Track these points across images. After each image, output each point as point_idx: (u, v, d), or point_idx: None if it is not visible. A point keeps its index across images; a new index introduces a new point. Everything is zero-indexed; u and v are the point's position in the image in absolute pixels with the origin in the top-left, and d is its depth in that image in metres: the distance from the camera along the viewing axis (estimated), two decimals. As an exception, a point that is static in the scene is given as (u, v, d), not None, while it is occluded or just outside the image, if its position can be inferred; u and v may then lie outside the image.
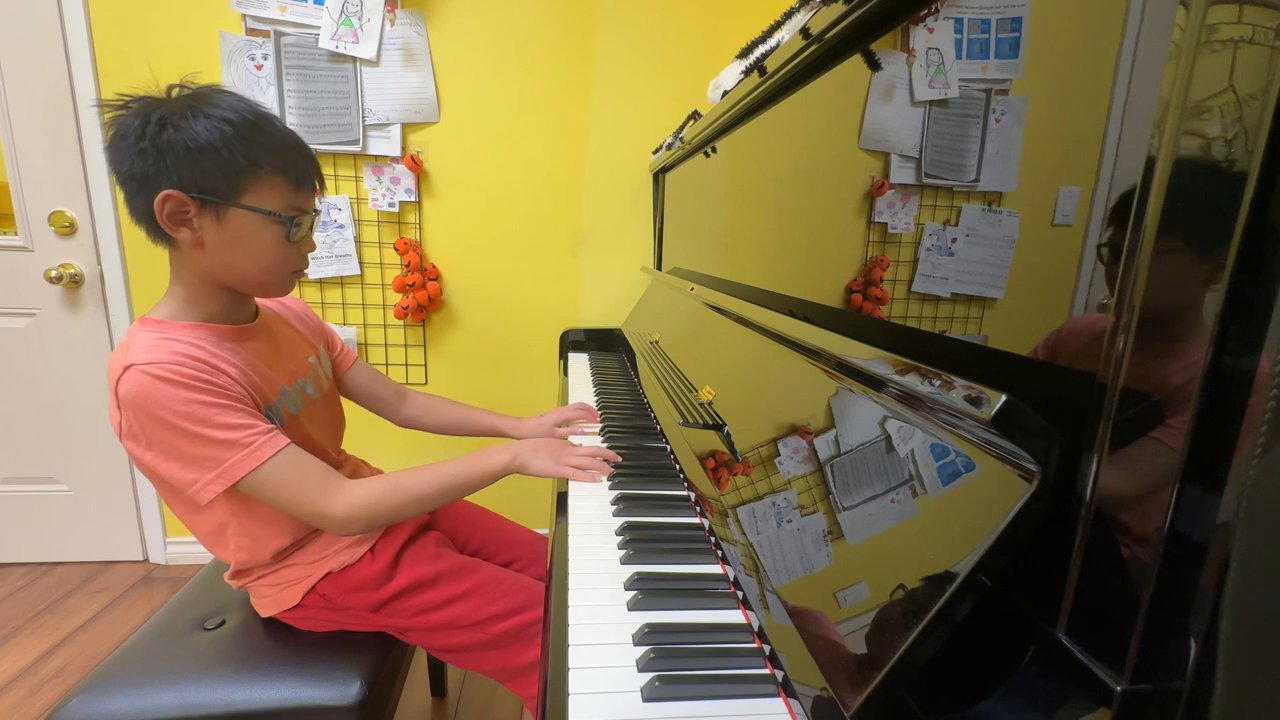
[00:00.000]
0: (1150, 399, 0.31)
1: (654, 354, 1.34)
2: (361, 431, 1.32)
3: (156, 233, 0.73)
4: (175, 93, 0.73)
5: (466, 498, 1.03)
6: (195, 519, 0.82)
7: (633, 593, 0.60)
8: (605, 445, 0.97)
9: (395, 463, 1.19)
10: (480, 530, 1.10)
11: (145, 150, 0.68)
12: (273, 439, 0.74)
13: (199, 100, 0.71)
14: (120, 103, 0.71)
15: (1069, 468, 0.35)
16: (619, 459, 0.89)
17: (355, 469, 1.03)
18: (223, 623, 0.91)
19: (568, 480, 0.85)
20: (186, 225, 0.71)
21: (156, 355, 0.69)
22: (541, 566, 1.05)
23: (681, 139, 1.35)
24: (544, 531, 0.90)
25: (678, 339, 1.26)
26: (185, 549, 1.93)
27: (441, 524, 1.07)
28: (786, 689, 0.48)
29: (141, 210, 0.71)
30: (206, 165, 0.69)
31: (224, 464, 0.71)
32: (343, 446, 1.04)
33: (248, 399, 0.76)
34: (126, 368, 0.68)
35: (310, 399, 0.91)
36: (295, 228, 0.76)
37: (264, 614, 0.89)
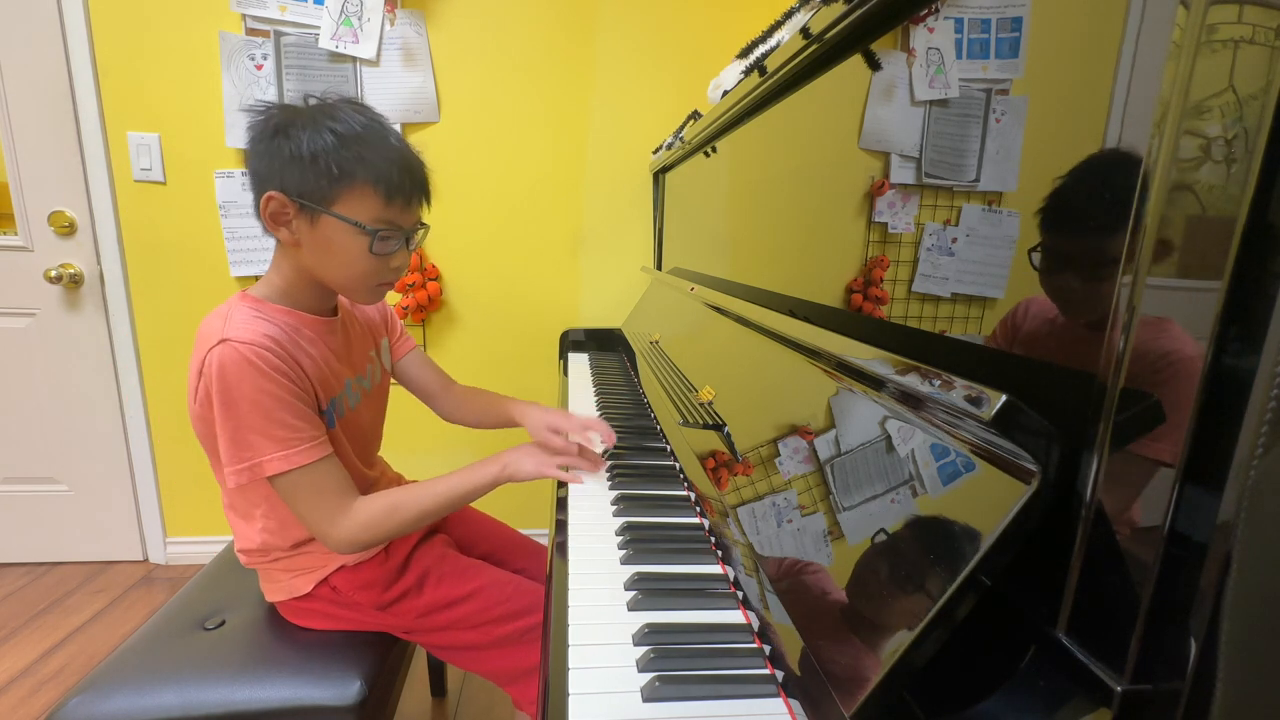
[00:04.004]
0: (1150, 399, 0.31)
1: (654, 354, 1.34)
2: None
3: (265, 227, 0.77)
4: (305, 100, 0.77)
5: (476, 507, 1.08)
6: (235, 489, 0.83)
7: (633, 593, 0.60)
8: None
9: (405, 455, 1.19)
10: (489, 538, 1.10)
11: (262, 153, 0.74)
12: (314, 448, 0.76)
13: (321, 111, 0.75)
14: (262, 108, 0.76)
15: (1069, 468, 0.35)
16: (604, 463, 0.89)
17: (382, 471, 1.04)
18: (223, 623, 0.90)
19: (567, 485, 0.85)
20: (286, 225, 0.76)
21: (250, 336, 0.73)
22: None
23: (681, 139, 1.35)
24: (544, 532, 0.90)
25: (678, 339, 1.26)
26: (185, 549, 1.93)
27: (451, 531, 1.08)
28: (786, 689, 0.48)
29: (253, 206, 0.77)
30: (305, 172, 0.73)
31: (257, 456, 0.73)
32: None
33: (312, 396, 0.79)
34: (222, 340, 0.72)
35: (365, 391, 0.94)
36: (381, 241, 0.77)
37: (271, 599, 0.90)
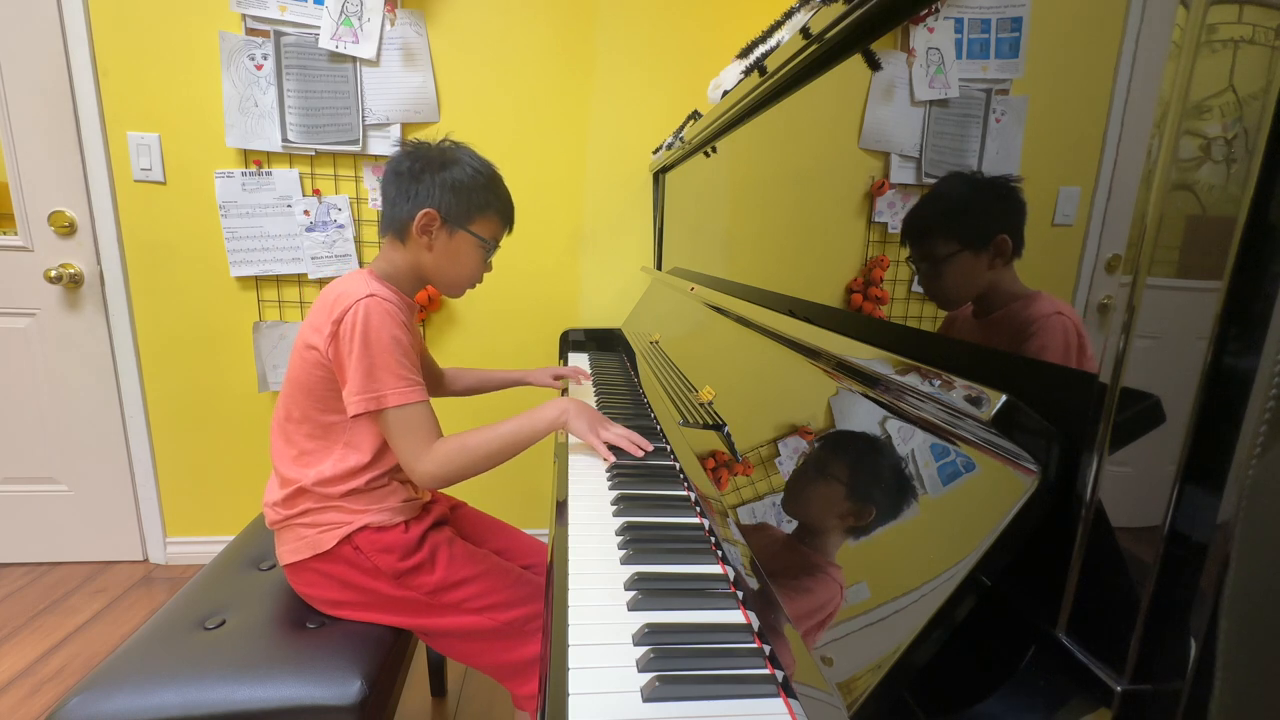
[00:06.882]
0: (1150, 399, 0.31)
1: (654, 354, 1.34)
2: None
3: (399, 231, 0.97)
4: (439, 143, 0.99)
5: (480, 509, 1.21)
6: (319, 419, 0.94)
7: (633, 593, 0.60)
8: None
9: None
10: (493, 538, 1.15)
11: (423, 178, 0.95)
12: (420, 390, 0.92)
13: (459, 152, 0.99)
14: (410, 146, 0.98)
15: (1069, 468, 0.35)
16: (650, 448, 0.95)
17: None
18: (223, 623, 0.91)
19: (567, 486, 0.86)
20: (428, 234, 0.96)
21: (389, 295, 0.93)
22: None
23: (681, 139, 1.35)
24: (546, 532, 0.90)
25: (678, 339, 1.26)
26: (185, 549, 1.93)
27: (460, 528, 1.11)
28: (786, 689, 0.48)
29: (398, 215, 0.96)
30: (459, 197, 0.96)
31: (384, 390, 0.89)
32: None
33: (415, 353, 0.96)
34: (371, 295, 0.90)
35: None
36: (490, 254, 1.04)
37: (291, 559, 0.93)
